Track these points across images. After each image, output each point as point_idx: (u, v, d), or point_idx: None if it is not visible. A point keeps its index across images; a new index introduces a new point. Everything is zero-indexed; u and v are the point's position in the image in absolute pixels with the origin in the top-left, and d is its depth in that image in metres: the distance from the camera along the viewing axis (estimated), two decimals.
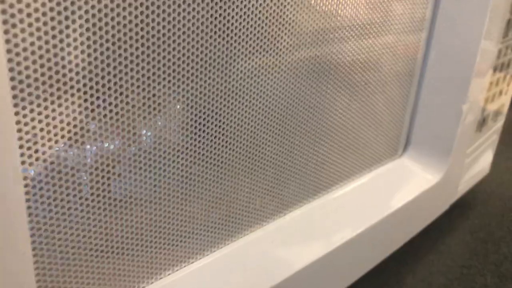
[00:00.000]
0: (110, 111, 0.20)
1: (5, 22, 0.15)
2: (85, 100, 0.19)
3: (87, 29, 0.18)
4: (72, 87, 0.18)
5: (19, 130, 0.17)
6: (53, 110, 0.18)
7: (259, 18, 0.24)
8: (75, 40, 0.17)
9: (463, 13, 0.37)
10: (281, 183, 0.30)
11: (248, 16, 0.23)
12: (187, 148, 0.23)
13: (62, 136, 0.18)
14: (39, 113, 0.17)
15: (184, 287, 0.25)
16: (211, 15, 0.22)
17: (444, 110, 0.40)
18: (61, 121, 0.18)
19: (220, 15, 0.22)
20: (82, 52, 0.18)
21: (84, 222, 0.20)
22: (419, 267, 0.43)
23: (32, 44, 0.16)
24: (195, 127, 0.23)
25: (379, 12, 0.32)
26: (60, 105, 0.18)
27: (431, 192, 0.42)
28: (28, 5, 0.16)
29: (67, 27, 0.17)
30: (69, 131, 0.18)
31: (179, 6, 0.20)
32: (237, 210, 0.28)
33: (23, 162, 0.17)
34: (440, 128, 0.41)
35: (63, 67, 0.17)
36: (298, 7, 0.26)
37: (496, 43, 0.41)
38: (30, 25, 0.16)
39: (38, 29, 0.16)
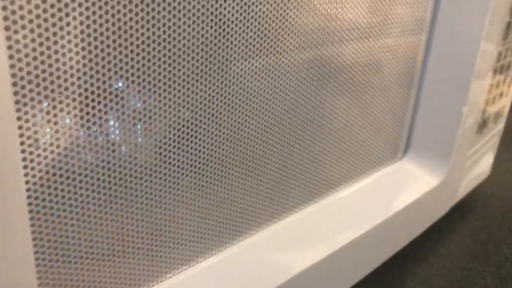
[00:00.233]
0: (111, 112, 0.20)
1: (5, 18, 0.15)
2: (86, 102, 0.19)
3: (88, 26, 0.18)
4: (73, 83, 0.18)
5: (20, 127, 0.17)
6: (55, 111, 0.18)
7: (259, 22, 0.24)
8: (75, 37, 0.17)
9: (463, 15, 0.37)
10: (280, 188, 0.30)
11: (248, 17, 0.23)
12: (183, 150, 0.23)
13: (65, 137, 0.18)
14: (40, 110, 0.17)
15: None
16: (211, 20, 0.22)
17: (444, 113, 0.40)
18: (63, 123, 0.18)
19: (219, 19, 0.22)
20: (83, 49, 0.18)
21: (85, 225, 0.20)
22: (419, 269, 0.43)
23: (33, 40, 0.16)
24: (194, 131, 0.23)
25: (379, 15, 0.32)
26: (61, 107, 0.18)
27: (431, 195, 0.42)
28: (28, 1, 0.16)
29: (68, 24, 0.17)
30: (71, 134, 0.18)
31: (179, 3, 0.20)
32: (233, 216, 0.28)
33: (25, 167, 0.17)
34: (440, 131, 0.41)
35: (64, 64, 0.17)
36: (298, 9, 0.26)
37: (496, 45, 0.41)
38: (31, 21, 0.16)
39: (39, 26, 0.16)
